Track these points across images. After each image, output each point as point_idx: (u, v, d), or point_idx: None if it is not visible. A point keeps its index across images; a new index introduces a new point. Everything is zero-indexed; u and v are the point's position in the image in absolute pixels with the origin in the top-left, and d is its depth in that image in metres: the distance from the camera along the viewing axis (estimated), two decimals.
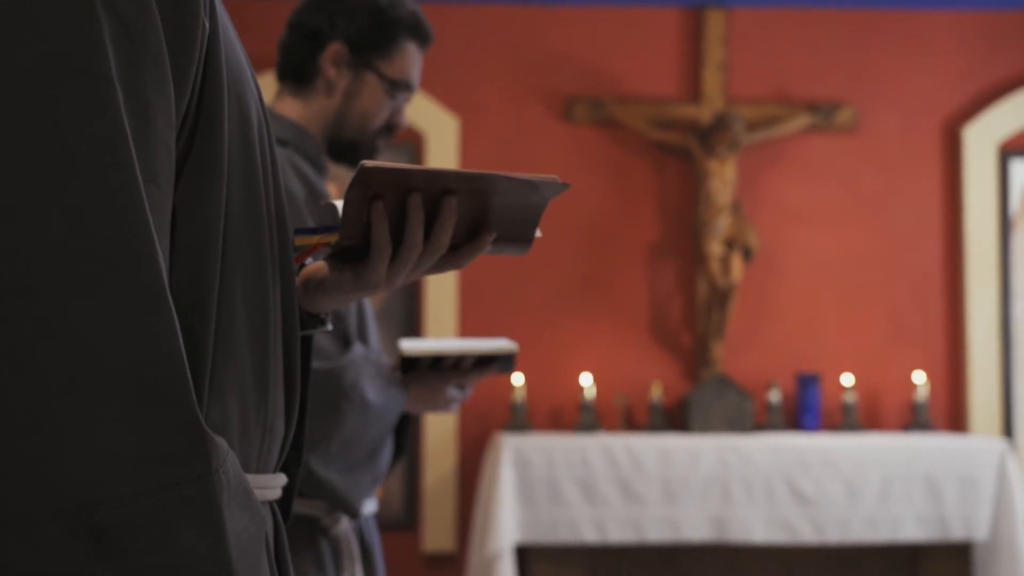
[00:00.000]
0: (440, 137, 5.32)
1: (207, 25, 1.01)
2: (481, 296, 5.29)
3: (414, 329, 5.24)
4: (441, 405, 2.31)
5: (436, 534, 5.20)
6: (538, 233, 1.27)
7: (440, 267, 1.24)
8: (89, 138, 0.84)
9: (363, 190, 1.21)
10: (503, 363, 2.25)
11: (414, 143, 5.33)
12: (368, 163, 1.19)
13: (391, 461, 2.39)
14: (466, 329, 5.22)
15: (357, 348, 2.19)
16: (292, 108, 2.32)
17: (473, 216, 1.24)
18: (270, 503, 1.23)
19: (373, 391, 2.18)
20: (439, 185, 1.22)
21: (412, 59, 2.33)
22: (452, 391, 2.29)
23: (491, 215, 1.24)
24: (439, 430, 5.21)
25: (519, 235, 1.27)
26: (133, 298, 0.83)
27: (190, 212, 1.01)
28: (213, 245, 1.02)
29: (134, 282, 0.84)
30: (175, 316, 0.86)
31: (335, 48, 2.28)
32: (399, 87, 2.31)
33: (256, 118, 1.14)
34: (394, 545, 5.14)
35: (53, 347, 0.81)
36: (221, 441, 0.88)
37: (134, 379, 0.82)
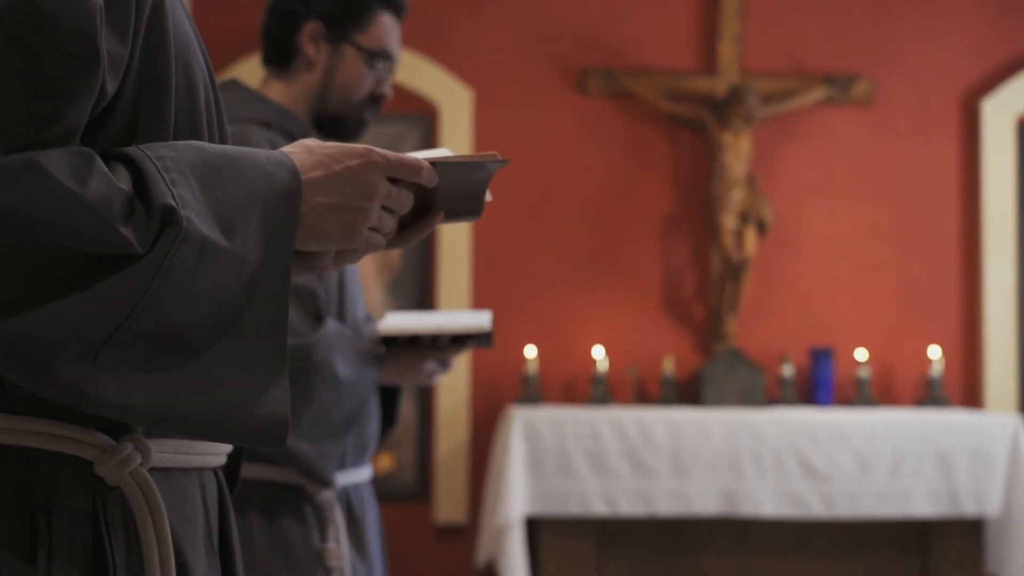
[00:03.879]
0: (454, 109, 5.32)
1: None
2: (494, 268, 5.29)
3: (427, 300, 5.25)
4: (421, 379, 2.39)
5: (448, 505, 5.22)
6: (488, 197, 1.29)
7: (388, 247, 1.25)
8: None
9: None
10: (480, 339, 2.31)
11: (428, 115, 5.32)
12: None
13: (379, 431, 2.45)
14: (479, 301, 5.22)
15: (330, 324, 2.25)
16: (278, 90, 2.39)
17: (420, 195, 1.25)
18: (213, 469, 1.24)
19: (344, 366, 2.23)
20: None
21: (388, 29, 2.39)
22: (432, 366, 2.36)
23: (438, 194, 1.26)
24: (451, 402, 5.22)
25: (468, 208, 1.30)
26: None
27: None
28: None
29: None
30: None
31: (311, 26, 2.35)
32: (377, 57, 2.37)
33: (203, 90, 1.19)
34: (406, 516, 5.17)
35: None
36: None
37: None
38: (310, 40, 2.35)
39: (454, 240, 5.27)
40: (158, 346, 1.04)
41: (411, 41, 5.19)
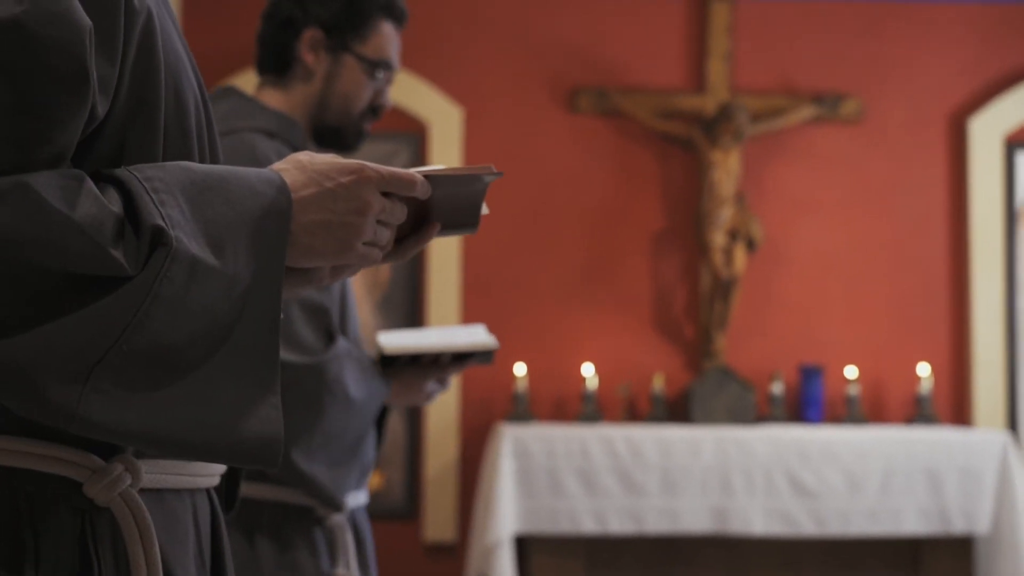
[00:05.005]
0: (444, 127, 5.32)
1: (138, 9, 1.10)
2: (484, 285, 5.29)
3: (417, 318, 5.25)
4: (420, 399, 2.33)
5: (437, 524, 5.21)
6: (485, 210, 1.30)
7: (384, 260, 1.25)
8: None
9: None
10: (482, 357, 2.26)
11: (418, 133, 5.33)
12: None
13: (375, 453, 2.41)
14: (469, 318, 5.22)
15: (341, 343, 2.20)
16: (274, 98, 2.33)
17: (416, 208, 1.25)
18: (207, 490, 1.23)
19: (355, 386, 2.18)
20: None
21: (389, 38, 2.33)
22: (431, 385, 2.30)
23: (433, 207, 1.26)
24: (441, 420, 5.21)
25: (464, 221, 1.30)
26: None
27: None
28: None
29: None
30: None
31: (311, 33, 2.28)
32: (379, 67, 2.31)
33: (194, 108, 1.19)
34: (395, 535, 5.15)
35: None
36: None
37: None
38: (309, 48, 2.28)
39: (444, 257, 5.26)
40: (149, 367, 1.03)
41: (402, 59, 5.19)
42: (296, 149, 2.27)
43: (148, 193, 1.05)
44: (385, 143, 5.25)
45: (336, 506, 2.20)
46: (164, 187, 1.06)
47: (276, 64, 2.32)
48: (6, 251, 0.98)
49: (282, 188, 1.13)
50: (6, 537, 1.05)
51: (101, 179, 1.07)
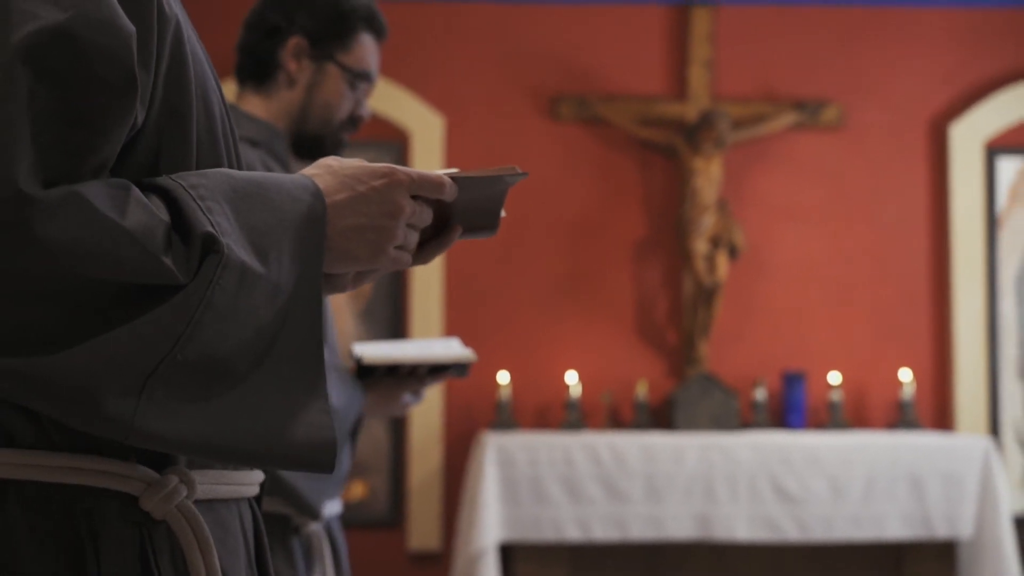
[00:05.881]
0: (425, 136, 5.32)
1: (168, 16, 1.10)
2: (466, 294, 5.29)
3: (399, 328, 5.24)
4: (396, 410, 2.35)
5: (421, 532, 5.20)
6: (503, 213, 1.30)
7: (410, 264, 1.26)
8: None
9: None
10: (458, 369, 2.27)
11: (400, 142, 5.33)
12: None
13: (350, 463, 2.42)
14: (452, 327, 5.22)
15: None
16: (255, 106, 2.34)
17: (437, 211, 1.25)
18: (248, 500, 1.23)
19: (336, 394, 2.19)
20: None
21: (370, 50, 2.37)
22: (406, 396, 2.32)
23: (455, 209, 1.26)
24: (425, 428, 5.21)
25: (485, 223, 1.30)
26: None
27: None
28: None
29: None
30: None
31: (295, 42, 2.31)
32: (360, 77, 2.35)
33: (220, 115, 1.19)
34: (379, 543, 5.14)
35: None
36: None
37: None
38: (293, 56, 2.31)
39: (426, 267, 5.26)
40: (202, 376, 1.02)
41: (383, 68, 5.18)
42: (280, 158, 2.29)
43: (195, 200, 1.04)
44: (367, 151, 5.25)
45: (314, 514, 2.22)
46: (209, 194, 1.06)
47: (258, 72, 2.34)
48: (62, 263, 0.97)
49: (317, 193, 1.12)
50: (69, 555, 1.04)
51: (145, 188, 1.06)
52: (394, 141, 5.32)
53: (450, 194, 1.21)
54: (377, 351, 2.28)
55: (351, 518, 4.76)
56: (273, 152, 2.28)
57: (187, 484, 1.10)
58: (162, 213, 1.03)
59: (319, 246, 1.11)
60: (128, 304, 0.99)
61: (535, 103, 5.37)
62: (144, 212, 1.01)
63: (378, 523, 5.18)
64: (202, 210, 1.04)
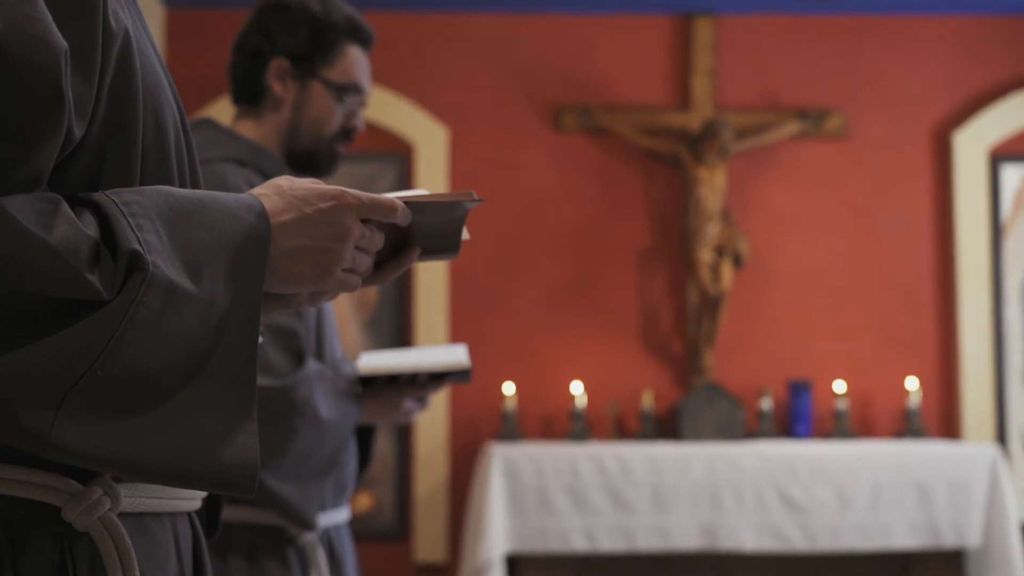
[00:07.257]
0: (429, 147, 5.32)
1: (115, 31, 1.09)
2: (471, 305, 5.29)
3: (404, 338, 5.24)
4: (399, 418, 2.36)
5: (428, 544, 5.19)
6: (466, 235, 1.30)
7: (363, 284, 1.25)
8: None
9: None
10: (459, 375, 2.29)
11: (403, 153, 5.33)
12: None
13: (357, 471, 2.43)
14: (457, 338, 5.21)
15: (310, 364, 2.23)
16: (248, 129, 2.37)
17: (396, 233, 1.25)
18: (188, 513, 1.22)
19: (326, 407, 2.21)
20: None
21: (355, 61, 2.37)
22: (409, 403, 2.34)
23: (413, 232, 1.26)
24: (430, 440, 5.20)
25: (445, 246, 1.30)
26: None
27: None
28: None
29: None
30: None
31: (277, 63, 2.33)
32: (347, 90, 2.35)
33: (174, 131, 1.18)
34: (386, 555, 5.14)
35: None
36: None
37: None
38: (277, 78, 2.33)
39: (431, 278, 5.26)
40: (124, 392, 1.02)
41: (386, 79, 5.21)
42: (268, 177, 2.30)
43: (125, 217, 1.04)
44: (371, 164, 5.26)
45: (307, 524, 2.23)
46: (142, 211, 1.05)
47: (248, 95, 2.37)
48: None
49: (261, 214, 1.12)
50: None
51: (78, 203, 1.06)
52: (398, 153, 5.32)
53: (402, 218, 1.20)
54: (377, 361, 2.30)
55: (357, 530, 4.76)
56: (262, 171, 2.30)
57: (111, 496, 1.09)
58: (90, 229, 1.02)
59: (259, 266, 1.10)
60: (52, 319, 0.99)
61: (539, 114, 5.38)
62: (70, 227, 1.01)
63: (384, 535, 5.17)
64: (131, 227, 1.03)
